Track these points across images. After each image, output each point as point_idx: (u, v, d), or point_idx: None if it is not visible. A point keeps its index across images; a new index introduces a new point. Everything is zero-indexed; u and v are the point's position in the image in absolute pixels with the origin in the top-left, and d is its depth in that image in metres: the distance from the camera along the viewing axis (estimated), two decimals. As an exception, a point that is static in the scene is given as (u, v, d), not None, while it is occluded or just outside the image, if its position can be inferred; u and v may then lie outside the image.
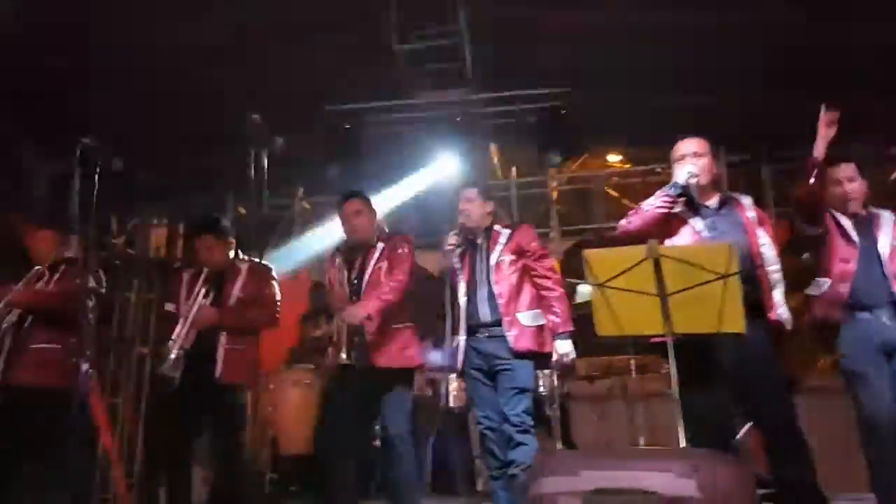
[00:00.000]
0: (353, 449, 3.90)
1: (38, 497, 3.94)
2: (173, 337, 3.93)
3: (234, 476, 3.98)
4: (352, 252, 4.01)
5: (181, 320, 3.99)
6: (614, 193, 8.14)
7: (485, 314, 3.66)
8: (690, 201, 3.28)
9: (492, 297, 3.65)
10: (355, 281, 3.90)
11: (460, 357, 3.65)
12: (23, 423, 3.91)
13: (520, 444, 3.45)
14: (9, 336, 4.02)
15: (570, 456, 3.06)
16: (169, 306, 4.23)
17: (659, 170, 7.45)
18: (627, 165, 8.20)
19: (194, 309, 4.00)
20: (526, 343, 3.59)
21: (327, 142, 6.61)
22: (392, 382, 3.78)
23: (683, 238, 3.24)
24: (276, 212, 7.92)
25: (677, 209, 3.27)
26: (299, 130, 6.53)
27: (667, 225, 3.27)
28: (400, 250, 3.90)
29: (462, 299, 3.70)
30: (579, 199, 8.32)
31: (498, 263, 3.70)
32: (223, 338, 4.01)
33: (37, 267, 4.19)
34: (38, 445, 3.92)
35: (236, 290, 4.14)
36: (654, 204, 3.27)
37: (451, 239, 3.74)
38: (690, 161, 3.25)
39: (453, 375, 5.27)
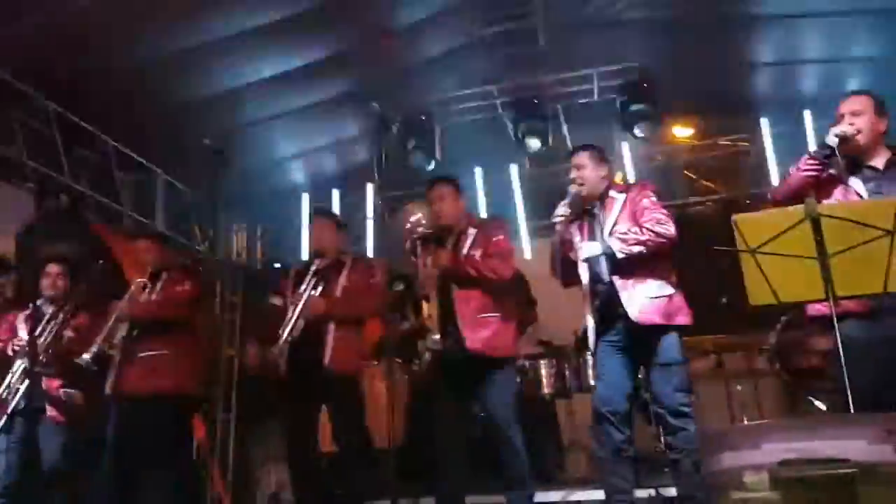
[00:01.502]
0: (460, 436, 3.80)
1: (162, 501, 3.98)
2: (283, 329, 3.93)
3: (359, 462, 3.99)
4: (439, 237, 3.90)
5: (290, 311, 3.99)
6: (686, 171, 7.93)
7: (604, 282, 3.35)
8: (852, 162, 3.02)
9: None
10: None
11: (592, 337, 3.41)
12: (138, 431, 3.97)
13: (679, 428, 3.19)
14: (118, 348, 4.08)
15: (747, 429, 2.91)
16: (275, 300, 4.24)
17: (726, 142, 7.32)
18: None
19: (303, 300, 3.99)
20: (669, 319, 3.27)
21: (400, 134, 6.57)
22: (493, 369, 3.67)
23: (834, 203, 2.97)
24: (348, 210, 7.93)
25: (832, 171, 3.03)
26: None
27: (820, 188, 3.02)
28: (495, 238, 3.80)
29: (584, 276, 3.44)
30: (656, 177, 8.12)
31: (608, 226, 3.40)
32: (331, 327, 4.00)
33: (139, 280, 4.19)
34: (154, 451, 3.97)
35: (342, 281, 4.15)
36: (799, 168, 3.06)
37: (560, 209, 3.38)
38: (848, 120, 3.00)
39: (544, 362, 5.19)
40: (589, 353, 3.49)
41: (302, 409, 4.05)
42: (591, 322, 3.41)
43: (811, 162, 2.99)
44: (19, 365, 3.97)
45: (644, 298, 3.24)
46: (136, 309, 4.06)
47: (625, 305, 3.24)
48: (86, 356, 3.88)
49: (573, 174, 3.52)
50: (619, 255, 3.24)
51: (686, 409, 3.20)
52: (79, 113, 6.01)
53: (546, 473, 5.61)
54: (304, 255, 7.67)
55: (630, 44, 6.24)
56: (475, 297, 3.66)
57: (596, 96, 6.39)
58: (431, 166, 6.55)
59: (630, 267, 3.26)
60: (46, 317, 4.18)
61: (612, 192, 3.51)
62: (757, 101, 6.71)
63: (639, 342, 3.27)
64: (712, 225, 6.60)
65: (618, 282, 3.28)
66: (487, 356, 3.62)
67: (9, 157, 5.78)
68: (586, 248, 3.38)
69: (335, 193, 7.68)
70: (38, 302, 4.26)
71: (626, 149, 7.06)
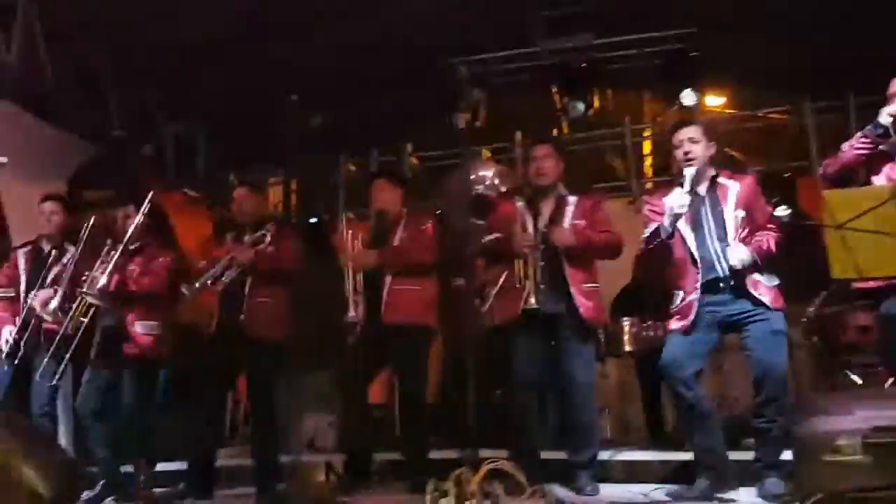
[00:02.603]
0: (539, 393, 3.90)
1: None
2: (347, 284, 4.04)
3: (413, 417, 4.11)
4: (534, 198, 3.89)
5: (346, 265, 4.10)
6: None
7: (724, 270, 3.32)
8: None
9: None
10: (544, 230, 3.81)
11: (691, 316, 3.32)
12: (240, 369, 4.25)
13: (771, 399, 3.21)
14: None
15: (841, 396, 3.01)
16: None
17: (760, 114, 7.30)
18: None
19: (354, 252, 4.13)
20: (776, 303, 3.32)
21: (444, 95, 6.55)
22: (589, 336, 3.79)
23: (883, 179, 3.08)
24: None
25: (882, 147, 3.10)
26: (414, 84, 6.54)
27: (871, 164, 3.11)
28: (602, 213, 3.87)
29: (696, 253, 3.36)
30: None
31: (735, 218, 3.34)
32: (388, 280, 4.08)
33: (259, 233, 4.18)
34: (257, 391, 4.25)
35: (399, 233, 4.22)
36: (853, 145, 3.12)
37: (682, 200, 3.26)
38: None
39: (626, 320, 5.23)
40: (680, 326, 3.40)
41: (363, 358, 4.16)
42: (695, 295, 3.35)
43: (864, 140, 3.06)
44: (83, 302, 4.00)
45: (763, 287, 3.31)
46: (261, 260, 4.09)
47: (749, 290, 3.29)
48: (188, 289, 4.01)
49: (685, 148, 3.38)
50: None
51: (784, 378, 3.27)
52: (126, 60, 6.03)
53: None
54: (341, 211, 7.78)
55: (677, 8, 6.18)
56: (584, 268, 3.78)
57: (641, 61, 6.35)
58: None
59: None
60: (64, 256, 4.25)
61: (721, 179, 3.44)
62: (800, 73, 6.65)
63: (740, 315, 3.33)
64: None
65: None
66: (594, 324, 3.78)
67: (60, 103, 5.83)
68: (736, 254, 3.30)
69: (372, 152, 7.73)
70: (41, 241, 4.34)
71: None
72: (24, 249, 4.32)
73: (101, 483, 3.77)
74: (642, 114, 7.73)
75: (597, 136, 7.41)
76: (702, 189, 3.45)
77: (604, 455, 4.46)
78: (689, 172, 3.30)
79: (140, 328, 4.08)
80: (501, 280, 3.87)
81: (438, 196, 6.90)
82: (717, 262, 3.34)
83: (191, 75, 5.96)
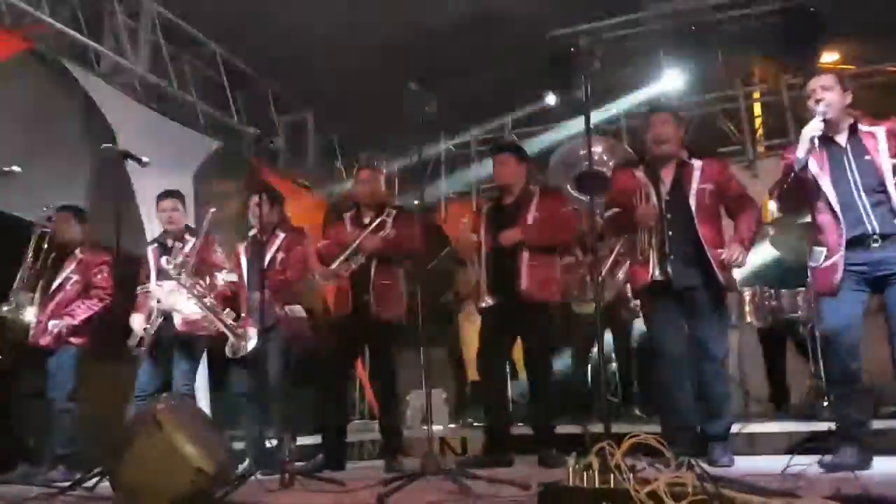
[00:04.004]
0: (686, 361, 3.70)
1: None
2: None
3: (542, 393, 4.10)
4: (654, 166, 3.76)
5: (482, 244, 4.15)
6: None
7: (873, 224, 3.10)
8: None
9: (880, 205, 3.11)
10: (667, 197, 3.66)
11: (837, 276, 3.12)
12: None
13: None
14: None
15: None
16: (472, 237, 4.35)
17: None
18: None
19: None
20: None
21: (547, 68, 6.50)
22: (711, 303, 3.63)
23: None
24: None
25: None
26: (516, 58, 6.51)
27: None
28: (732, 179, 3.72)
29: (837, 207, 3.15)
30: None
31: (886, 166, 3.09)
32: (524, 255, 4.07)
33: (382, 218, 4.27)
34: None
35: (532, 210, 4.17)
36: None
37: (815, 124, 3.08)
38: None
39: (747, 290, 5.06)
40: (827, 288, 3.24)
41: (497, 336, 4.19)
42: (840, 255, 3.15)
43: None
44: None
45: None
46: (387, 246, 4.21)
47: None
48: (321, 273, 4.25)
49: (817, 95, 3.20)
50: None
51: None
52: (242, 57, 6.33)
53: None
54: (442, 190, 7.89)
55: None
56: (718, 234, 3.66)
57: (751, 21, 6.09)
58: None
59: None
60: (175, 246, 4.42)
61: (862, 126, 3.22)
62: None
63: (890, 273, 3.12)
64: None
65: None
66: (727, 291, 3.69)
67: (184, 101, 6.18)
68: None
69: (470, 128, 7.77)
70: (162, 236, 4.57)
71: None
72: (153, 246, 4.57)
73: (249, 457, 4.03)
74: (752, 76, 7.41)
75: (709, 101, 7.19)
76: (841, 139, 3.23)
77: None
78: (822, 107, 3.14)
79: (287, 312, 4.32)
80: (625, 252, 3.80)
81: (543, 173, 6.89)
82: (864, 216, 3.12)
83: (304, 65, 6.14)
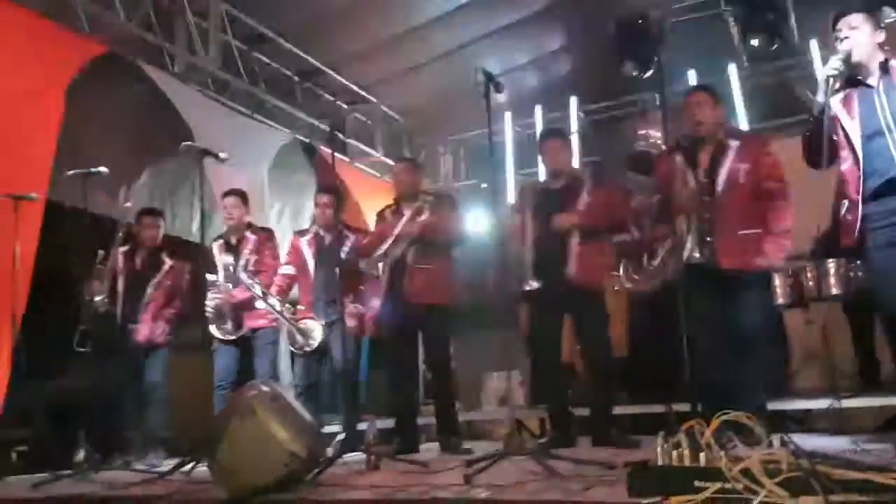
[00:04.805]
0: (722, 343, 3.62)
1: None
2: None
3: (601, 368, 4.10)
4: (693, 149, 3.68)
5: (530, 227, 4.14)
6: None
7: None
8: None
9: None
10: (705, 179, 3.58)
11: (859, 227, 2.93)
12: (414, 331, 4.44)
13: None
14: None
15: None
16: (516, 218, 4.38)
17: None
18: None
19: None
20: None
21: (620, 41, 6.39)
22: (748, 285, 3.55)
23: None
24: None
25: None
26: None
27: None
28: (768, 157, 3.56)
29: (860, 152, 2.93)
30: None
31: None
32: (575, 240, 4.06)
33: (417, 204, 4.38)
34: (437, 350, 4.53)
35: (585, 195, 4.14)
36: None
37: (834, 62, 2.89)
38: None
39: (832, 262, 4.90)
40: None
41: (547, 319, 4.18)
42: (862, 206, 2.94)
43: None
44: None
45: None
46: (423, 230, 4.30)
47: None
48: (366, 263, 4.44)
49: (843, 34, 2.95)
50: None
51: None
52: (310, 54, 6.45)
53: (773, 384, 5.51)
54: (509, 174, 7.86)
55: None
56: (753, 215, 3.54)
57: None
58: (647, 74, 6.33)
59: None
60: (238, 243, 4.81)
61: (893, 61, 2.94)
62: None
63: None
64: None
65: None
66: (745, 270, 3.54)
67: (254, 97, 6.34)
68: None
69: (538, 110, 7.70)
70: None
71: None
72: (218, 242, 4.82)
73: (339, 438, 4.20)
74: (828, 40, 7.09)
75: (782, 67, 6.95)
76: (873, 80, 2.96)
77: (816, 404, 4.34)
78: (844, 45, 2.92)
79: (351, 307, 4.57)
80: (669, 236, 3.71)
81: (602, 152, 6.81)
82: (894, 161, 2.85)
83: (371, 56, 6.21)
